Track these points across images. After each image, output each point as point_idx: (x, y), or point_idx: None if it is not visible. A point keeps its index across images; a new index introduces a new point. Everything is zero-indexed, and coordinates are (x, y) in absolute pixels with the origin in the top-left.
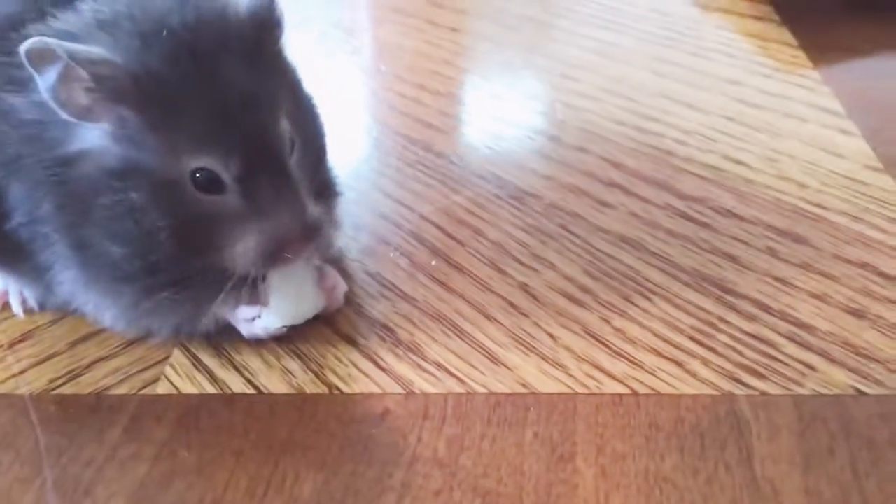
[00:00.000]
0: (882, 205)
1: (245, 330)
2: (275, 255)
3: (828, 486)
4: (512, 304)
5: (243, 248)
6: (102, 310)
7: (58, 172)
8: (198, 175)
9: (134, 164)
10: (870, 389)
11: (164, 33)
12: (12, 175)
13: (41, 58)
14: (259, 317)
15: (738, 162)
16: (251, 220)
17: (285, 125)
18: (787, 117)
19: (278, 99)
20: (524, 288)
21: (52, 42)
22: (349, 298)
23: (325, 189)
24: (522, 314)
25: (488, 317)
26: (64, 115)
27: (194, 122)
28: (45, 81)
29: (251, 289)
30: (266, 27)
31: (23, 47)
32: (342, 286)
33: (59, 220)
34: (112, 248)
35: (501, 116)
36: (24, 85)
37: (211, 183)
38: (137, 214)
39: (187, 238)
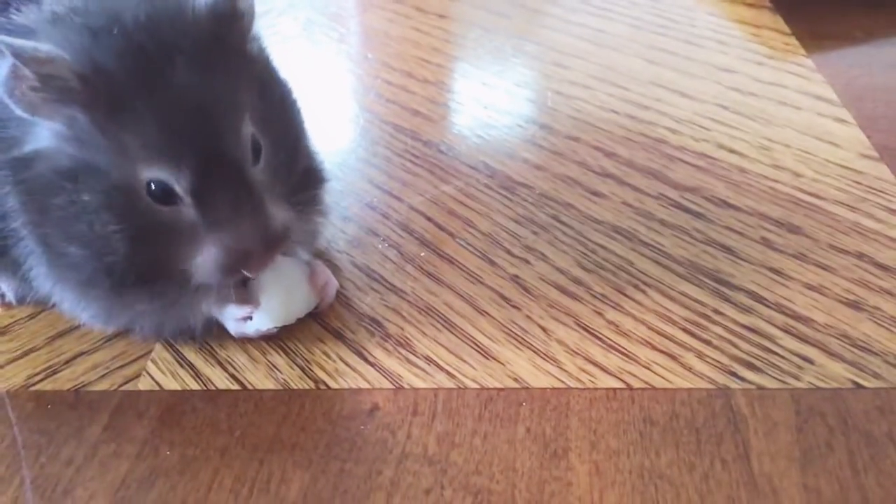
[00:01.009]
0: (878, 194)
1: (234, 329)
2: (234, 267)
3: (826, 483)
4: (503, 297)
5: (201, 261)
6: (79, 308)
7: (16, 171)
8: (151, 185)
9: (86, 165)
10: (868, 382)
11: (115, 30)
12: None
13: None
14: (250, 318)
15: (732, 151)
16: (207, 233)
17: (247, 130)
18: (780, 105)
19: (240, 101)
20: (515, 280)
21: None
22: (336, 291)
23: (308, 177)
24: (514, 307)
25: (479, 310)
26: (18, 112)
27: (143, 129)
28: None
29: (239, 288)
30: (226, 22)
31: None
32: (333, 283)
33: (24, 217)
34: (70, 249)
35: (491, 104)
36: None
37: (164, 194)
38: (91, 217)
39: (143, 245)
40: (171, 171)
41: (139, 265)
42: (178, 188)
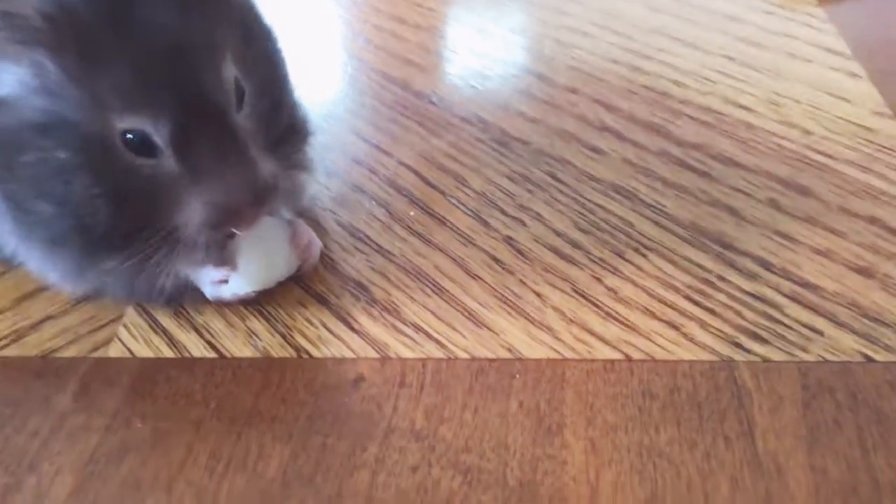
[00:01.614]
0: (891, 154)
1: (210, 293)
2: (222, 223)
3: (834, 463)
4: (496, 260)
5: (186, 217)
6: (47, 266)
7: None
8: (128, 136)
9: (57, 118)
10: (878, 355)
11: None
12: None
13: None
14: (227, 281)
15: (739, 106)
16: (191, 185)
17: (230, 72)
18: (790, 58)
19: (220, 42)
20: (509, 242)
21: None
22: (320, 253)
23: (292, 131)
24: (507, 271)
25: (471, 274)
26: None
27: (118, 75)
28: None
29: (217, 249)
30: None
31: None
32: (317, 243)
33: None
34: (42, 207)
35: (486, 53)
36: None
37: (143, 145)
38: (67, 175)
39: (123, 202)
40: (149, 120)
41: (119, 225)
42: (157, 138)
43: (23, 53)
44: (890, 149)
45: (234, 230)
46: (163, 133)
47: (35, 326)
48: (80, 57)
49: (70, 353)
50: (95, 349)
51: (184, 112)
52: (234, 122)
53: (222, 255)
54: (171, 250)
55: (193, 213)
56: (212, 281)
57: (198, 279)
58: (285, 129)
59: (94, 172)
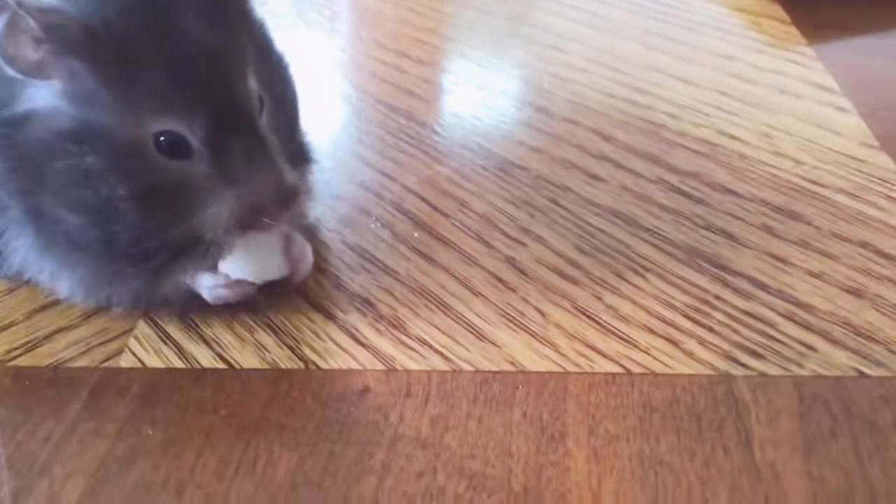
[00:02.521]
0: (881, 183)
1: (209, 295)
2: (249, 222)
3: (830, 471)
4: (499, 279)
5: (214, 216)
6: (59, 279)
7: (7, 135)
8: (161, 138)
9: (89, 125)
10: (871, 371)
11: None
12: None
13: None
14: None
15: (733, 137)
16: (222, 185)
17: (254, 83)
18: (781, 93)
19: (245, 55)
20: (511, 262)
21: None
22: (326, 270)
23: (298, 155)
24: (510, 289)
25: (474, 291)
26: (11, 72)
27: (155, 80)
28: None
29: (216, 255)
30: None
31: None
32: (309, 259)
33: (12, 186)
34: (68, 217)
35: (487, 86)
36: None
37: (176, 147)
38: (95, 180)
39: (151, 206)
40: (185, 121)
41: (144, 230)
42: (192, 139)
43: (61, 64)
44: (879, 178)
45: (258, 230)
46: (198, 134)
47: (48, 338)
48: (117, 65)
49: (82, 363)
50: (107, 360)
51: (217, 115)
52: (261, 128)
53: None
54: (190, 254)
55: (221, 210)
56: (208, 285)
57: (197, 286)
58: (293, 150)
59: (122, 176)
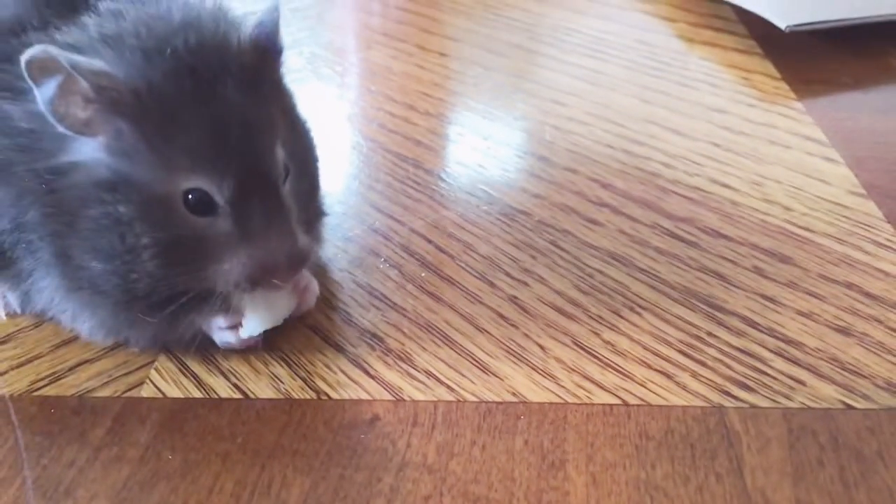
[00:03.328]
0: (867, 228)
1: (219, 339)
2: (259, 279)
3: (818, 497)
4: (502, 316)
5: (228, 272)
6: (80, 320)
7: (48, 181)
8: (190, 196)
9: (126, 177)
10: (858, 404)
11: (168, 52)
12: (1, 182)
13: (42, 68)
14: (235, 327)
15: (724, 185)
16: (240, 244)
17: (281, 152)
18: (771, 144)
19: (275, 125)
20: (514, 301)
21: (56, 52)
22: (337, 307)
23: (313, 217)
24: (512, 325)
25: (478, 328)
26: (61, 129)
27: (191, 141)
28: (43, 93)
29: (227, 306)
30: (267, 55)
31: (24, 56)
32: (314, 290)
33: (45, 229)
34: (93, 263)
35: (491, 136)
36: (21, 93)
37: (203, 204)
38: (123, 228)
39: (172, 257)
40: (214, 181)
41: (163, 278)
42: (219, 198)
43: (108, 123)
44: (865, 224)
45: (268, 287)
46: (225, 193)
47: (72, 369)
48: (158, 124)
49: (105, 393)
50: (129, 390)
51: (244, 179)
52: (282, 193)
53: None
54: (205, 304)
55: (237, 266)
56: (220, 328)
57: (208, 328)
58: (313, 211)
59: (149, 226)
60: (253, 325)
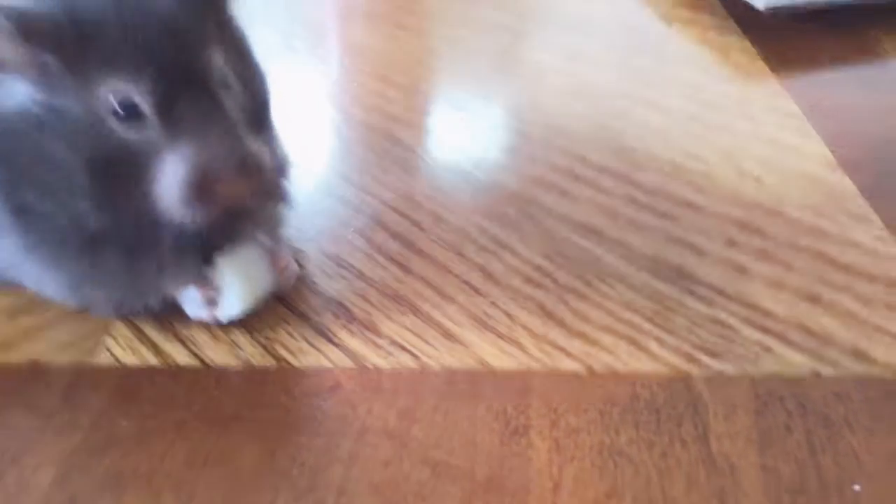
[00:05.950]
0: (839, 202)
1: (192, 312)
2: (205, 191)
3: (784, 463)
4: (470, 285)
5: (168, 186)
6: (44, 280)
7: None
8: (111, 98)
9: (54, 108)
10: (825, 370)
11: None
12: None
13: None
14: (211, 302)
15: (698, 158)
16: (174, 149)
17: (217, 60)
18: (747, 119)
19: (208, 33)
20: (483, 270)
21: None
22: (303, 276)
23: (267, 134)
24: (480, 294)
25: (445, 296)
26: None
27: (107, 50)
28: None
29: (197, 263)
30: None
31: None
32: (294, 267)
33: None
34: (43, 206)
35: (467, 109)
36: None
37: (126, 109)
38: (59, 159)
39: (107, 177)
40: (132, 79)
41: (104, 200)
42: (142, 100)
43: (34, 59)
44: (838, 197)
45: (216, 206)
46: (146, 94)
47: (25, 336)
48: (78, 48)
49: (59, 360)
50: (84, 357)
51: (170, 75)
52: (218, 93)
53: (207, 276)
54: (160, 250)
55: (172, 178)
56: (195, 301)
57: (182, 300)
58: (269, 133)
59: (78, 148)
60: (231, 303)
